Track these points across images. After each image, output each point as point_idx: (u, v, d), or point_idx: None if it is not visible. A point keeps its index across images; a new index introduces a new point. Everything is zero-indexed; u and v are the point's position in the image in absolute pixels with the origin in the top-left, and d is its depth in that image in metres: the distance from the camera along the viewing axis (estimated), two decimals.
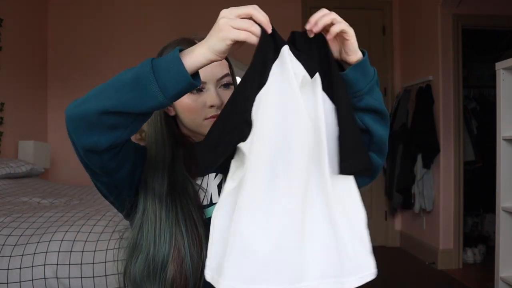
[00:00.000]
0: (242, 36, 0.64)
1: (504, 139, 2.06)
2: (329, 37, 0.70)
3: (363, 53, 0.76)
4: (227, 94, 0.89)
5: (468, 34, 3.94)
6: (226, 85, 0.90)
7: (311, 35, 0.70)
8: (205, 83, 0.87)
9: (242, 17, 0.65)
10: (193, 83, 0.67)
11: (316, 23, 0.69)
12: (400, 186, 3.67)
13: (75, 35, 3.84)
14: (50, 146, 3.48)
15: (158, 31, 3.80)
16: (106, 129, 0.71)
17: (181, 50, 0.68)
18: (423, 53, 3.68)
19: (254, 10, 0.65)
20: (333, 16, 0.70)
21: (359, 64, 0.75)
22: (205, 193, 0.90)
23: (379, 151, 0.84)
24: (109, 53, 3.86)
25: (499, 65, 2.07)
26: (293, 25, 3.97)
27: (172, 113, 0.91)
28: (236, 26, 0.64)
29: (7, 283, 1.34)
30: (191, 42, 0.87)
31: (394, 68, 4.14)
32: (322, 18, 0.69)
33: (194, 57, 0.67)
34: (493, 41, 4.35)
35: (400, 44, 4.12)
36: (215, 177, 0.92)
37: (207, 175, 0.92)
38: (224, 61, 0.90)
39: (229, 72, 0.92)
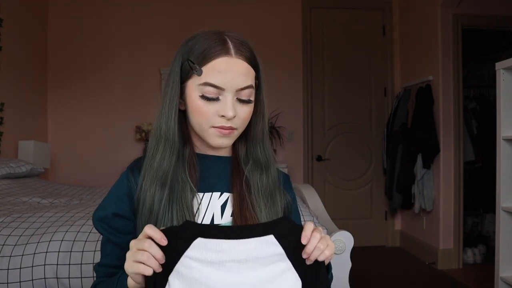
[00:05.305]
0: (139, 269, 0.67)
1: (504, 139, 2.06)
2: (308, 262, 0.72)
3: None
4: (242, 109, 0.83)
5: (468, 34, 3.95)
6: (244, 101, 0.82)
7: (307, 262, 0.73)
8: (223, 90, 0.80)
9: (139, 249, 0.68)
10: None
11: (309, 255, 0.71)
12: (400, 186, 3.67)
13: (75, 35, 3.85)
14: (50, 146, 3.48)
15: (158, 32, 3.80)
16: None
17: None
18: (423, 53, 3.68)
19: (149, 247, 0.68)
20: (323, 248, 0.71)
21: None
22: (199, 208, 0.84)
23: None
24: (109, 53, 3.87)
25: (499, 65, 2.07)
26: (293, 25, 3.98)
27: (183, 108, 0.86)
28: (136, 259, 0.68)
29: (7, 283, 1.34)
30: (218, 34, 0.83)
31: (394, 68, 4.14)
32: (314, 251, 0.71)
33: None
34: (493, 41, 4.35)
35: (400, 44, 4.12)
36: (220, 196, 0.87)
37: (211, 192, 0.86)
38: (251, 70, 0.83)
39: (253, 85, 0.83)
